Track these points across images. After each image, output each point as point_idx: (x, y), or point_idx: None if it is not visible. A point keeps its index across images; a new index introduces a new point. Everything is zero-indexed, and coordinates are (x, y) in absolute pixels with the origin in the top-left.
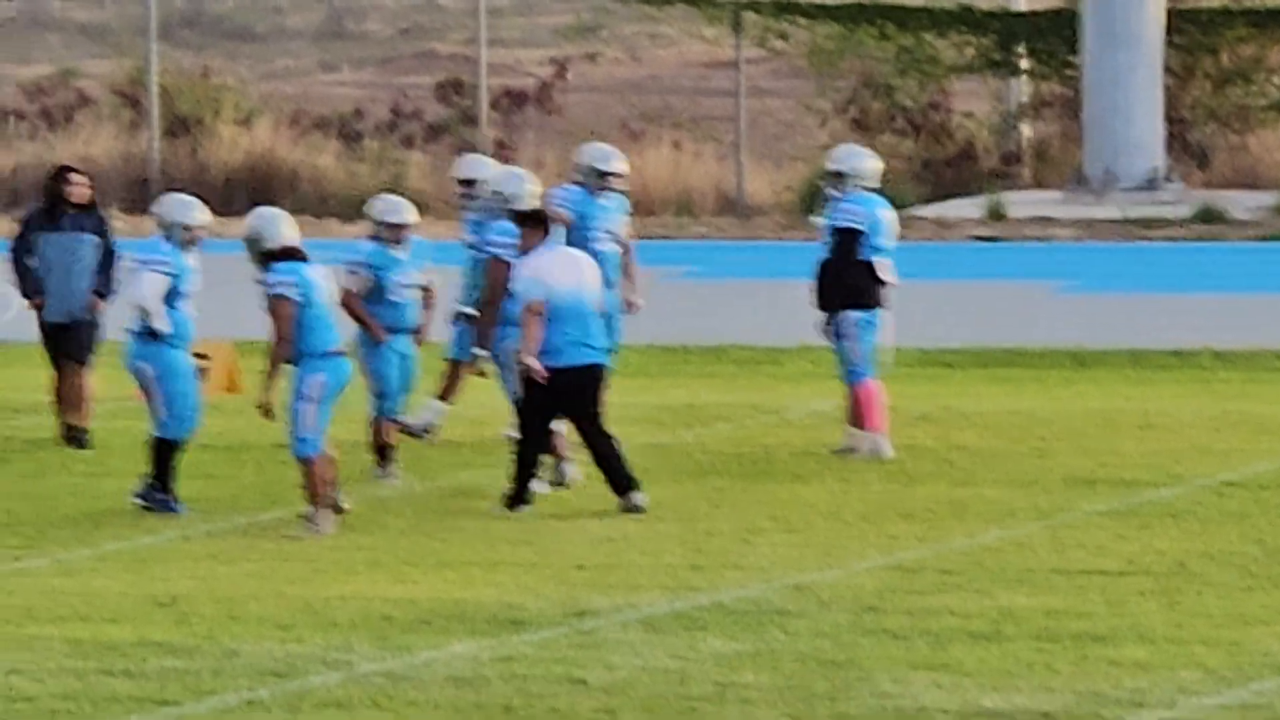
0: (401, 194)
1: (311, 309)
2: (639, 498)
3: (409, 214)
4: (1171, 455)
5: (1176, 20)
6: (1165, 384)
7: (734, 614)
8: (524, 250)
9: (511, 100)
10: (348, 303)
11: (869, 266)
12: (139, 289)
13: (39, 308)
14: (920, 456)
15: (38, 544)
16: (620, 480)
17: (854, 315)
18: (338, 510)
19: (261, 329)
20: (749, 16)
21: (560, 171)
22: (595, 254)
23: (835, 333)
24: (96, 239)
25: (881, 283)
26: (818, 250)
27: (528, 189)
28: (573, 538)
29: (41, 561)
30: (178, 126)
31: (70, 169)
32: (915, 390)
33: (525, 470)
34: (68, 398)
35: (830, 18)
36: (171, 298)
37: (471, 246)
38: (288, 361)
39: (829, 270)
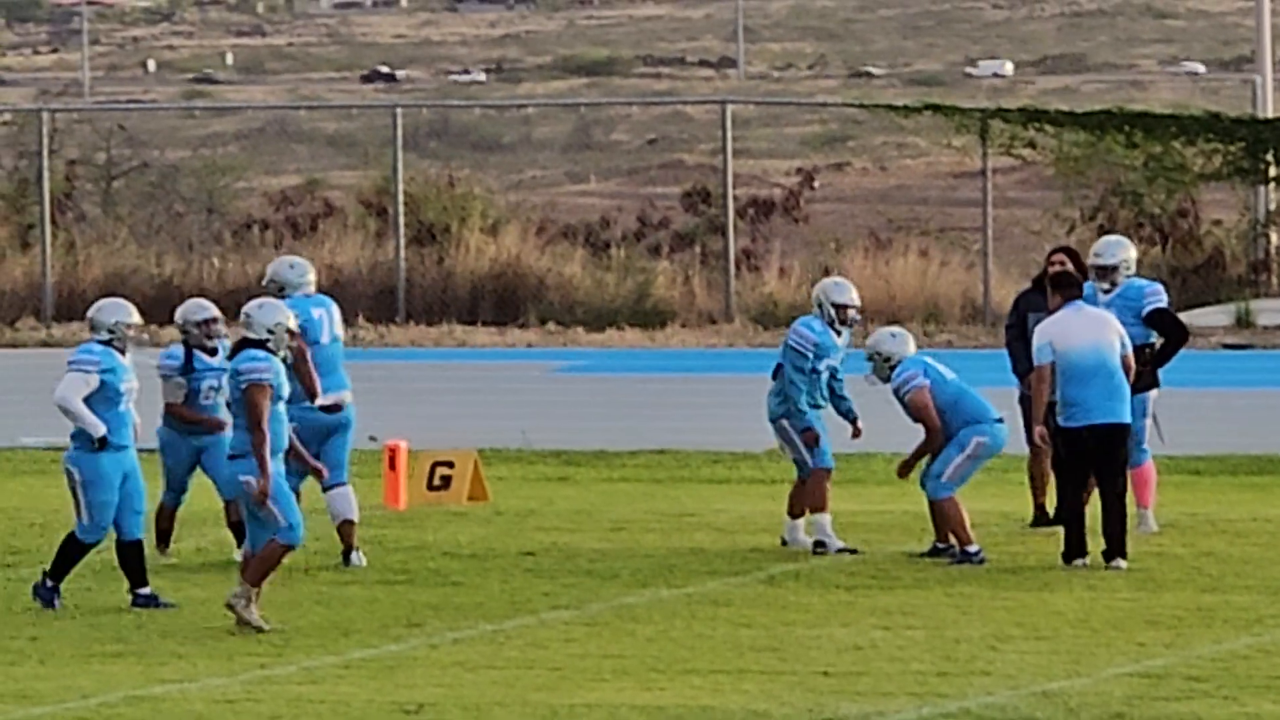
0: (650, 303)
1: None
2: (1121, 564)
3: None
4: None
5: None
6: None
7: None
8: (1051, 312)
9: (758, 209)
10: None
11: None
12: (59, 390)
13: None
14: (1168, 564)
15: (284, 652)
16: (1113, 545)
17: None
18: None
19: (499, 438)
20: (996, 125)
21: (805, 279)
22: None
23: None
24: None
25: None
26: None
27: None
28: (820, 644)
29: (288, 669)
30: (424, 235)
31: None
32: (1163, 497)
33: (1071, 526)
34: None
35: (1078, 125)
36: (111, 399)
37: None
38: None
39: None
